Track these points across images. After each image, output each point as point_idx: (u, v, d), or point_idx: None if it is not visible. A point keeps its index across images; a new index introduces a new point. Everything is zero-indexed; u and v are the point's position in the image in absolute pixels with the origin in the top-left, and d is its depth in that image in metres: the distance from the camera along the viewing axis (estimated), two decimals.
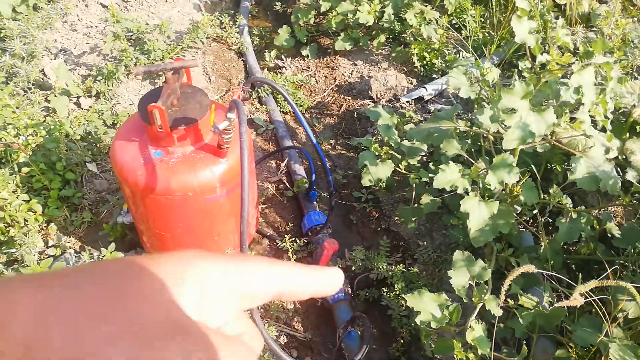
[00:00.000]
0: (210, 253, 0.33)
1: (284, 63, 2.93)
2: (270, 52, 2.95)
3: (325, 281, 0.36)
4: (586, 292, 1.27)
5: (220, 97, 2.64)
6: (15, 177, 1.80)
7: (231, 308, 0.32)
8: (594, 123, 1.62)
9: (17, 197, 1.72)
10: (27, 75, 2.22)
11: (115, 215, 1.83)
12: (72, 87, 2.28)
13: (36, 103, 2.19)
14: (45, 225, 1.84)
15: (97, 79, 2.39)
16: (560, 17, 2.25)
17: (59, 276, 0.28)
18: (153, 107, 1.24)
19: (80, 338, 0.25)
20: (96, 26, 2.70)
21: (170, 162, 1.38)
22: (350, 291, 1.82)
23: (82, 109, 2.33)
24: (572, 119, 1.56)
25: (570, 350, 1.39)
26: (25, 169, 1.83)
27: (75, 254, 1.78)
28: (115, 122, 2.24)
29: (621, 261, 1.54)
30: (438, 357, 1.53)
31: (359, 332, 1.69)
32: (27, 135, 1.96)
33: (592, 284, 1.21)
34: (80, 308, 0.26)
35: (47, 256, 1.76)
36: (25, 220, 1.75)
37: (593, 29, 2.52)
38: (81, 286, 0.27)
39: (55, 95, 2.22)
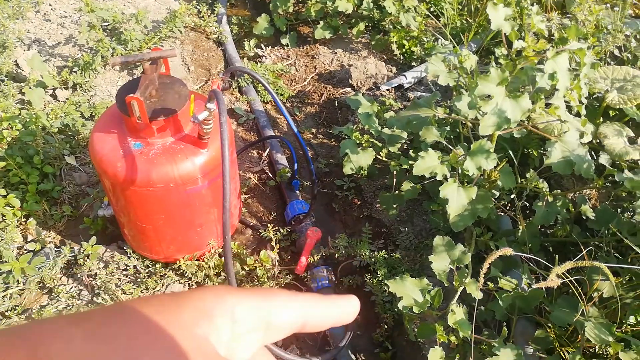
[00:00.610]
0: (237, 288, 0.34)
1: (263, 52, 2.91)
2: (249, 41, 2.93)
3: (344, 309, 0.38)
4: (563, 273, 1.31)
5: (199, 87, 2.61)
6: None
7: (257, 342, 0.33)
8: (568, 108, 1.65)
9: None
10: None
11: (96, 209, 1.81)
12: (47, 78, 2.23)
13: (10, 95, 2.14)
14: (24, 220, 1.82)
15: (74, 70, 2.35)
16: (535, 3, 2.28)
17: (89, 322, 0.28)
18: (131, 99, 1.23)
19: None
20: (70, 16, 2.64)
21: (150, 154, 1.37)
22: (334, 279, 1.84)
23: (59, 101, 2.28)
24: (548, 105, 1.58)
25: (548, 330, 1.43)
26: (1, 163, 1.79)
27: (55, 249, 1.76)
28: (93, 114, 2.21)
29: (596, 242, 1.58)
30: (421, 341, 1.56)
31: None
32: (2, 129, 1.92)
33: (568, 265, 1.24)
34: (125, 353, 0.27)
35: (26, 251, 1.74)
36: (3, 215, 1.72)
37: (567, 15, 2.56)
38: (120, 334, 0.28)
39: (30, 87, 2.17)
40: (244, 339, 0.32)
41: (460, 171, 1.53)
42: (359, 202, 2.18)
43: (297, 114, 2.63)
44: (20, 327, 0.27)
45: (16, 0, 2.48)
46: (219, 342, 0.30)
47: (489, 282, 1.46)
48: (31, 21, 2.55)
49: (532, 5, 1.63)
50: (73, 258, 1.73)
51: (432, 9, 2.84)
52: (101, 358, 0.26)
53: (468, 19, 2.78)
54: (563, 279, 1.36)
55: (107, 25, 2.50)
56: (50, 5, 2.67)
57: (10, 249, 1.64)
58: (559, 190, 1.72)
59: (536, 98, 1.49)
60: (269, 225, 1.79)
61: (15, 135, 1.92)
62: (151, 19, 2.72)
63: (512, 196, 1.68)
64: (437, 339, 1.37)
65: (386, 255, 1.77)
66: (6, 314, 1.56)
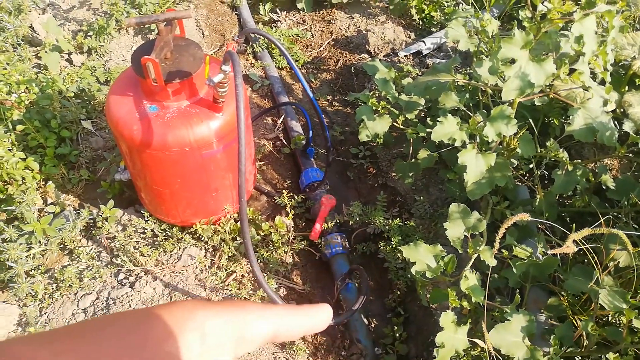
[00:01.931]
0: (208, 302, 0.35)
1: (278, 16, 2.86)
2: (264, 5, 2.88)
3: (315, 319, 0.39)
4: (579, 240, 1.30)
5: (214, 52, 2.59)
6: (10, 135, 1.78)
7: (228, 354, 0.34)
8: (593, 76, 1.60)
9: (13, 155, 1.72)
10: (15, 30, 2.16)
11: (113, 173, 1.83)
12: (62, 43, 2.22)
13: (27, 59, 2.14)
14: (44, 183, 1.84)
15: (88, 34, 2.34)
16: None
17: (71, 337, 0.30)
18: (147, 60, 1.22)
19: None
20: None
21: (165, 117, 1.37)
22: (347, 245, 1.85)
23: (74, 65, 2.28)
24: (571, 71, 1.54)
25: (562, 298, 1.43)
26: (19, 127, 1.81)
27: (74, 211, 1.79)
28: (109, 78, 2.21)
29: (615, 213, 1.56)
30: (433, 306, 1.57)
31: (356, 284, 1.73)
32: (20, 93, 1.93)
33: (585, 231, 1.23)
34: None
35: (46, 213, 1.77)
36: (23, 178, 1.74)
37: None
38: (94, 351, 0.29)
39: (46, 52, 2.17)
40: (215, 351, 0.33)
41: (479, 138, 1.51)
42: (374, 171, 2.17)
43: (313, 80, 2.60)
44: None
45: None
46: (189, 357, 0.32)
47: (503, 250, 1.45)
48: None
49: None
50: (92, 221, 1.76)
51: None
52: None
53: None
54: (579, 246, 1.34)
55: None
56: None
57: (32, 210, 1.67)
58: (579, 160, 1.69)
59: (560, 64, 1.44)
60: (283, 191, 1.80)
61: (32, 99, 1.93)
62: None
63: (531, 165, 1.65)
64: (449, 304, 1.38)
65: (400, 224, 1.77)
66: (30, 272, 1.60)
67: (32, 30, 2.29)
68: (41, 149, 1.88)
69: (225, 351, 0.34)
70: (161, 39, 1.31)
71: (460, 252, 1.43)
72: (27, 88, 1.95)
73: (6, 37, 2.14)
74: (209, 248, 1.75)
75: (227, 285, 1.65)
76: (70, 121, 1.97)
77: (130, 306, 1.56)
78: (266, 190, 2.03)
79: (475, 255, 1.38)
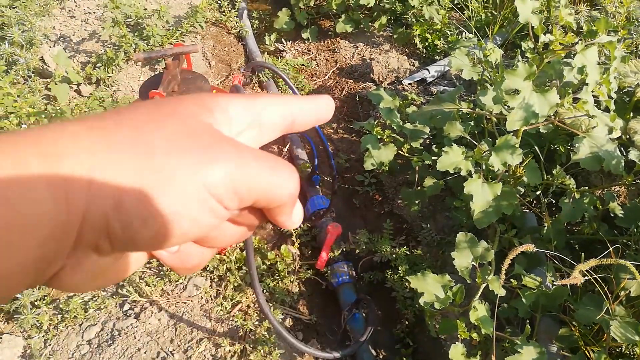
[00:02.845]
0: (226, 94, 0.35)
1: (284, 46, 2.91)
2: (270, 36, 2.93)
3: (323, 106, 0.39)
4: (588, 270, 1.28)
5: (220, 82, 2.63)
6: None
7: (253, 141, 0.34)
8: (597, 103, 1.60)
9: None
10: (27, 63, 2.21)
11: None
12: (72, 74, 2.27)
13: (37, 91, 2.18)
14: None
15: (97, 65, 2.38)
16: None
17: (101, 118, 0.28)
18: (154, 94, 1.24)
19: (148, 156, 0.26)
20: (94, 12, 2.68)
21: None
22: (354, 274, 1.83)
23: (83, 96, 2.32)
24: (575, 99, 1.55)
25: (573, 328, 1.40)
26: None
27: None
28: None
29: (624, 240, 1.54)
30: (442, 337, 1.55)
31: (364, 314, 1.71)
32: (29, 124, 1.96)
33: (592, 262, 1.21)
34: (135, 133, 0.27)
35: None
36: None
37: (597, 7, 2.49)
38: (126, 120, 0.28)
39: (55, 83, 2.21)
40: (242, 137, 0.33)
41: (484, 167, 1.51)
42: (380, 198, 2.17)
43: None
44: (26, 130, 0.27)
45: None
46: (226, 132, 0.31)
47: (512, 280, 1.44)
48: (56, 18, 2.59)
49: None
50: None
51: (456, 2, 2.80)
52: (109, 144, 0.26)
53: (493, 11, 2.73)
54: (588, 276, 1.33)
55: (130, 21, 2.53)
56: (75, 2, 2.71)
57: None
58: (587, 187, 1.68)
59: (563, 92, 1.45)
60: None
61: None
62: (173, 15, 2.74)
63: (538, 193, 1.65)
64: (458, 336, 1.36)
65: (407, 252, 1.76)
66: (36, 303, 1.59)
67: (43, 63, 2.34)
68: None
69: (251, 136, 0.34)
70: (169, 73, 1.33)
71: (468, 281, 1.42)
72: (36, 119, 1.98)
73: (18, 70, 2.19)
74: (214, 278, 1.74)
75: (233, 316, 1.64)
76: None
77: (135, 338, 1.55)
78: None
79: (484, 285, 1.37)
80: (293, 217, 0.35)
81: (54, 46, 2.45)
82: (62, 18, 2.61)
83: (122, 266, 0.31)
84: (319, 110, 0.38)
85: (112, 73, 2.37)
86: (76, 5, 2.69)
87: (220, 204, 0.28)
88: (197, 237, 0.30)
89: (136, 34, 2.51)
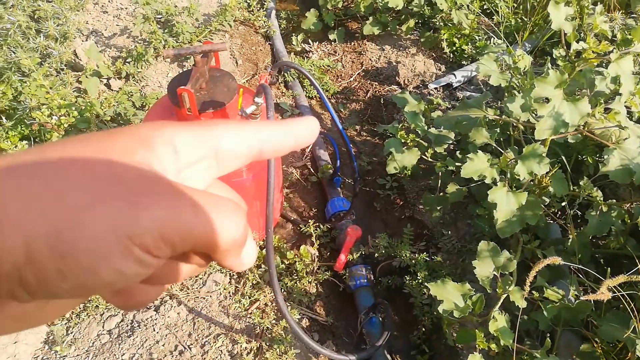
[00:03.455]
0: (177, 123, 0.31)
1: (310, 47, 2.91)
2: (297, 36, 2.94)
3: (302, 131, 0.35)
4: (614, 286, 1.25)
5: (246, 80, 2.65)
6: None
7: (209, 172, 0.31)
8: (629, 114, 1.56)
9: None
10: (60, 56, 2.26)
11: None
12: (102, 68, 2.31)
13: (68, 84, 2.23)
14: None
15: (127, 60, 2.43)
16: (598, 2, 2.18)
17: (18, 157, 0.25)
18: (182, 90, 1.26)
19: (63, 207, 0.24)
20: (126, 8, 2.73)
21: None
22: (372, 278, 1.83)
23: (112, 90, 2.36)
24: (607, 110, 1.51)
25: (595, 345, 1.37)
26: None
27: None
28: (144, 103, 2.27)
29: None
30: (459, 346, 1.53)
31: (381, 319, 1.70)
32: (60, 116, 2.01)
33: (621, 278, 1.18)
34: (52, 180, 0.24)
35: None
36: None
37: (632, 15, 2.43)
38: (46, 163, 0.25)
39: (86, 77, 2.26)
40: (193, 169, 0.30)
41: (509, 175, 1.49)
42: (401, 202, 2.15)
43: (342, 110, 2.62)
44: None
45: None
46: (164, 169, 0.28)
47: (533, 292, 1.41)
48: (90, 13, 2.65)
49: (595, 4, 1.55)
50: None
51: (485, 7, 2.76)
52: (19, 190, 0.24)
53: (523, 17, 2.69)
54: (614, 292, 1.29)
55: (160, 17, 2.57)
56: None
57: None
58: (614, 200, 1.64)
59: (595, 102, 1.42)
60: (309, 220, 1.80)
61: (71, 122, 2.00)
62: (202, 12, 2.77)
63: (563, 204, 1.62)
64: (476, 346, 1.34)
65: (427, 258, 1.75)
66: None
67: (75, 56, 2.39)
68: None
69: (205, 168, 0.30)
70: (197, 70, 1.34)
71: (488, 291, 1.40)
72: (67, 111, 2.03)
73: (51, 63, 2.24)
74: (233, 275, 1.75)
75: (250, 313, 1.65)
76: None
77: (154, 330, 1.57)
78: (292, 218, 2.04)
79: (505, 295, 1.35)
80: (242, 260, 0.31)
81: (86, 40, 2.51)
82: (95, 13, 2.66)
83: (49, 311, 0.29)
84: (295, 136, 0.34)
85: (142, 68, 2.41)
86: (109, 1, 2.74)
87: (149, 254, 0.25)
88: (126, 286, 0.27)
89: (166, 30, 2.55)
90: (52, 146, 0.26)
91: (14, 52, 2.07)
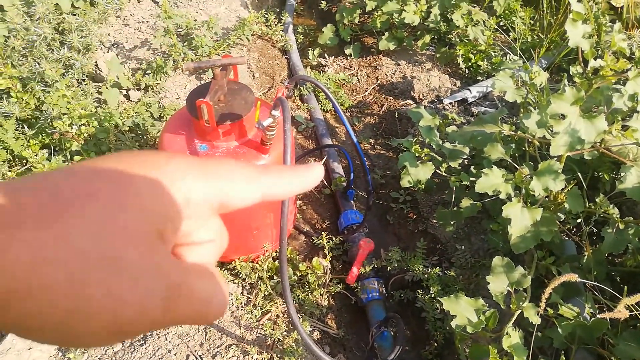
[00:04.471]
0: (185, 159, 0.32)
1: (326, 61, 2.94)
2: (313, 50, 2.98)
3: (306, 178, 0.36)
4: (632, 305, 1.23)
5: (263, 93, 2.68)
6: (67, 164, 1.88)
7: (208, 216, 0.32)
8: None
9: None
10: (82, 67, 2.32)
11: None
12: (122, 79, 2.37)
13: (89, 94, 2.29)
14: None
15: (147, 72, 2.48)
16: (616, 20, 2.17)
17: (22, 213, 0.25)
18: (201, 103, 1.28)
19: (75, 272, 0.24)
20: (147, 21, 2.79)
21: (214, 156, 1.42)
22: (384, 291, 1.82)
23: (131, 101, 2.41)
24: (624, 127, 1.50)
25: None
26: (77, 158, 1.92)
27: None
28: (162, 115, 2.31)
29: None
30: None
31: (392, 333, 1.69)
32: (80, 125, 2.05)
33: (638, 297, 1.17)
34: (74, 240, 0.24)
35: None
36: None
37: None
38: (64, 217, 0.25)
39: (107, 87, 2.31)
40: (196, 214, 0.31)
41: (524, 191, 1.48)
42: (414, 216, 2.15)
43: (356, 123, 2.64)
44: None
45: (102, 6, 2.65)
46: (170, 232, 0.29)
47: (548, 308, 1.40)
48: (112, 26, 2.72)
49: (612, 22, 1.55)
50: None
51: (501, 23, 2.77)
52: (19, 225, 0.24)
53: (539, 34, 2.69)
54: (632, 311, 1.27)
55: (180, 31, 2.62)
56: (130, 11, 2.83)
57: None
58: (632, 218, 1.62)
59: (612, 119, 1.42)
60: (322, 232, 1.80)
61: (91, 132, 2.05)
62: (221, 26, 2.83)
63: (579, 220, 1.60)
64: None
65: (440, 272, 1.74)
66: None
67: (96, 67, 2.45)
68: None
69: (207, 213, 0.32)
70: (216, 83, 1.37)
71: (502, 307, 1.39)
72: (87, 121, 2.07)
73: (74, 74, 2.30)
74: (246, 285, 1.76)
75: (262, 324, 1.65)
76: None
77: (166, 339, 1.58)
78: (305, 230, 2.05)
79: (519, 311, 1.33)
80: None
81: (108, 52, 2.57)
82: (117, 26, 2.73)
83: None
84: (301, 182, 0.36)
85: (161, 80, 2.46)
86: (131, 14, 2.81)
87: (127, 336, 0.27)
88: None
89: (185, 43, 2.60)
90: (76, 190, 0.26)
91: (38, 63, 2.13)
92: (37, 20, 2.25)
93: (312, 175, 0.37)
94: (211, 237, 0.34)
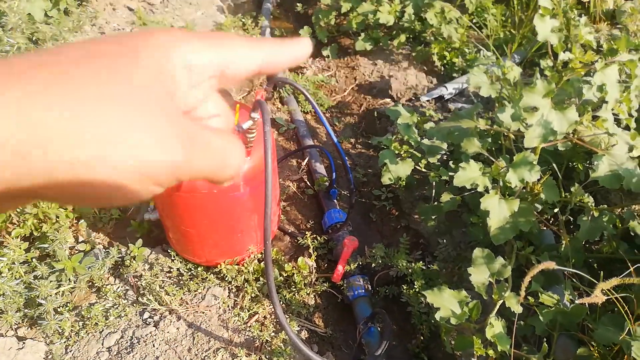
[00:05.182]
0: (183, 30, 0.33)
1: (305, 63, 2.96)
2: None
3: (298, 49, 0.38)
4: (608, 290, 1.27)
5: (242, 97, 2.69)
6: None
7: (210, 88, 0.34)
8: (617, 121, 1.60)
9: None
10: None
11: (142, 212, 1.88)
12: None
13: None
14: (76, 221, 1.91)
15: None
16: (583, 14, 2.24)
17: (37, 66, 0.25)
18: None
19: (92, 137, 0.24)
20: (123, 28, 2.77)
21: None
22: (370, 288, 1.84)
23: None
24: (595, 117, 1.55)
25: (591, 348, 1.39)
26: None
27: (104, 250, 1.84)
28: None
29: None
30: (458, 353, 1.54)
31: (379, 328, 1.71)
32: None
33: (614, 281, 1.21)
34: (75, 90, 0.25)
35: (77, 251, 1.83)
36: (57, 216, 1.81)
37: (618, 26, 2.49)
38: (70, 72, 0.26)
39: None
40: (201, 87, 0.32)
41: (501, 183, 1.52)
42: (396, 213, 2.18)
43: (337, 124, 2.66)
44: None
45: (76, 14, 2.62)
46: (177, 89, 0.30)
47: (529, 297, 1.43)
48: (87, 34, 2.69)
49: (580, 16, 1.60)
50: (120, 259, 1.81)
51: (474, 21, 2.83)
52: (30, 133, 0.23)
53: (512, 30, 2.75)
54: (608, 295, 1.31)
55: None
56: (105, 19, 2.81)
57: (63, 248, 1.73)
58: (606, 205, 1.67)
59: (582, 110, 1.46)
60: (306, 233, 1.82)
61: None
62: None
63: (556, 210, 1.65)
64: (474, 352, 1.36)
65: (424, 267, 1.76)
66: (58, 309, 1.64)
67: None
68: None
69: (209, 85, 0.33)
70: None
71: (485, 297, 1.42)
72: None
73: None
74: (232, 288, 1.76)
75: (250, 326, 1.66)
76: None
77: (153, 346, 1.58)
78: (289, 231, 2.06)
79: (501, 301, 1.36)
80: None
81: None
82: (92, 34, 2.71)
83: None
84: (295, 54, 0.37)
85: None
86: (106, 22, 2.79)
87: (159, 186, 0.28)
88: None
89: None
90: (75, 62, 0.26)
91: None
92: (9, 30, 2.23)
93: (304, 45, 0.38)
94: (217, 112, 0.36)
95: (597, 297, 1.24)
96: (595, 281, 1.35)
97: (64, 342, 1.61)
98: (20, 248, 1.65)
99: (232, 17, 2.92)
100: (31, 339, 1.62)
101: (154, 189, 0.28)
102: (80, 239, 1.89)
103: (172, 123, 0.28)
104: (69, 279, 1.70)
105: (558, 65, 1.52)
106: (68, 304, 1.68)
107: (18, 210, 1.75)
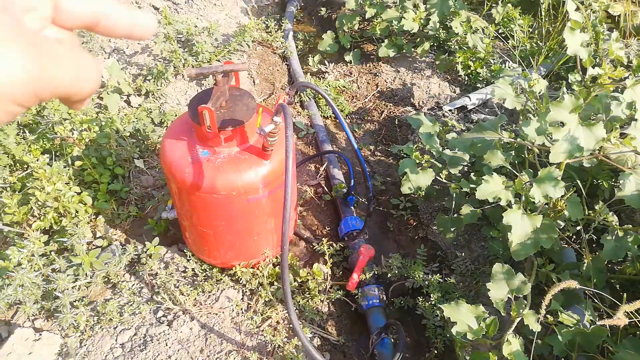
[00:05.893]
0: None
1: (326, 68, 2.96)
2: (313, 57, 2.99)
3: (141, 20, 0.37)
4: (631, 312, 1.24)
5: (263, 99, 2.69)
6: (68, 169, 1.89)
7: (47, 18, 0.33)
8: None
9: (69, 189, 1.81)
10: None
11: (160, 211, 1.89)
12: (123, 85, 2.37)
13: (90, 100, 2.29)
14: (94, 217, 1.93)
15: (147, 78, 2.49)
16: (613, 29, 2.19)
17: None
18: (203, 108, 1.29)
19: None
20: None
21: (216, 162, 1.43)
22: (384, 298, 1.82)
23: (132, 107, 2.42)
24: (622, 135, 1.51)
25: None
26: (78, 163, 1.92)
27: (120, 246, 1.85)
28: (163, 120, 2.32)
29: None
30: None
31: (393, 340, 1.69)
32: (81, 130, 2.06)
33: (638, 304, 1.17)
34: None
35: (94, 247, 1.84)
36: (76, 211, 1.83)
37: None
38: None
39: (107, 93, 2.32)
40: (34, 13, 0.31)
41: (524, 198, 1.49)
42: (414, 223, 2.16)
43: (356, 130, 2.65)
44: None
45: None
46: (13, 12, 0.29)
47: (548, 315, 1.40)
48: None
49: (610, 30, 1.57)
50: (136, 257, 1.82)
51: (500, 31, 2.79)
52: None
53: (538, 42, 2.71)
54: (631, 318, 1.28)
55: (181, 37, 2.64)
56: None
57: (81, 243, 1.74)
58: (631, 225, 1.63)
59: (610, 127, 1.43)
60: (322, 239, 1.81)
61: (92, 137, 2.05)
62: (222, 33, 2.84)
63: (579, 228, 1.61)
64: None
65: (440, 279, 1.74)
66: (74, 303, 1.65)
67: None
68: (95, 184, 1.97)
69: (45, 14, 0.32)
70: (218, 89, 1.38)
71: (502, 314, 1.39)
72: (88, 126, 2.08)
73: None
74: (246, 291, 1.76)
75: (262, 330, 1.65)
76: (124, 159, 2.07)
77: (166, 345, 1.58)
78: (305, 236, 2.05)
79: (519, 318, 1.34)
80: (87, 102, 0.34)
81: (109, 58, 2.58)
82: None
83: None
84: (135, 23, 0.37)
85: (161, 86, 2.46)
86: None
87: (20, 106, 0.27)
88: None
89: (186, 49, 2.61)
90: None
91: None
92: None
93: (146, 19, 0.37)
94: (60, 37, 0.34)
95: (620, 319, 1.20)
96: (617, 302, 1.32)
97: (79, 335, 1.62)
98: (39, 240, 1.67)
99: (255, 19, 2.93)
100: (47, 331, 1.63)
101: (15, 108, 0.27)
102: (98, 234, 1.91)
103: (13, 31, 0.27)
104: (86, 274, 1.71)
105: (587, 80, 1.49)
106: (84, 299, 1.69)
107: (39, 203, 1.77)
